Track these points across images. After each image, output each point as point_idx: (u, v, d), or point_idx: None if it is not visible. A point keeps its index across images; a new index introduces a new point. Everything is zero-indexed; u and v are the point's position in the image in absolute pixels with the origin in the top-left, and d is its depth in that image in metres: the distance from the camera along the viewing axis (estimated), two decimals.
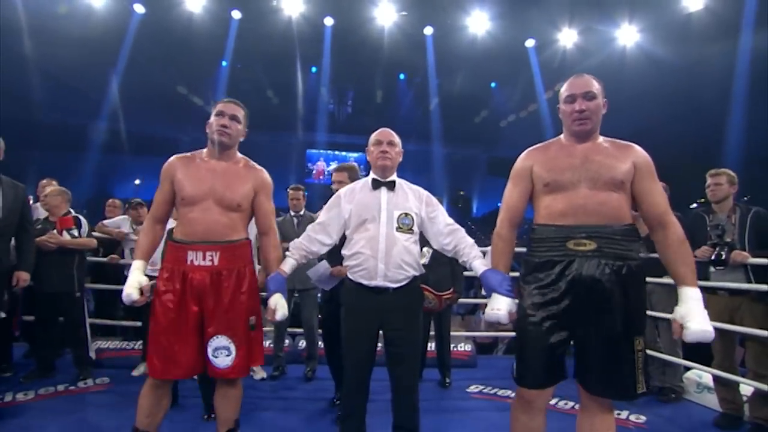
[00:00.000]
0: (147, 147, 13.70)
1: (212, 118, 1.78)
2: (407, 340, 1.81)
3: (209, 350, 1.69)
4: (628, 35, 8.58)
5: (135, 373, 3.22)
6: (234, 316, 1.71)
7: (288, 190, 3.54)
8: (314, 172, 16.52)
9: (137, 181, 16.17)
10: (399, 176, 1.96)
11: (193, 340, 1.70)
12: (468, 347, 3.96)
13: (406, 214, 1.84)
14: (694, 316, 1.36)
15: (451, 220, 1.90)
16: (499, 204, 1.84)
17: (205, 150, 1.83)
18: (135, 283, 1.68)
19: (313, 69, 11.44)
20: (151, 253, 1.83)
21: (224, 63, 10.30)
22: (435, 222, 1.87)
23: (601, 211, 1.46)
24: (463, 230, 1.88)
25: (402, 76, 12.46)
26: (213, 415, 2.32)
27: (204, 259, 1.69)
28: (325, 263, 2.04)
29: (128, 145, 11.33)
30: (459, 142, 14.34)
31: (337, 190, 2.71)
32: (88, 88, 9.36)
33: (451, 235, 1.85)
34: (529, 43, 9.52)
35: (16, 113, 7.16)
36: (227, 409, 1.80)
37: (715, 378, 2.76)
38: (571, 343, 1.53)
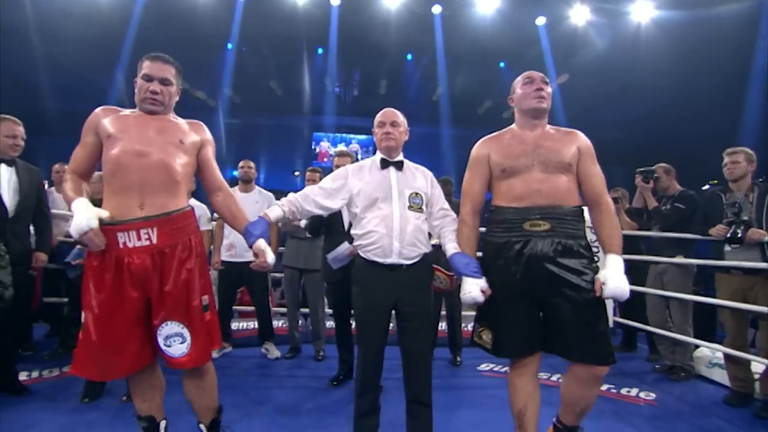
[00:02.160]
0: None
1: (139, 81, 1.54)
2: (421, 315, 1.84)
3: (160, 340, 1.49)
4: (642, 10, 8.31)
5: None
6: (183, 298, 1.50)
7: (306, 171, 3.59)
8: (318, 153, 16.49)
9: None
10: (406, 158, 1.96)
11: (135, 335, 1.49)
12: None
13: (416, 194, 1.86)
14: (613, 277, 1.51)
15: (446, 206, 1.94)
16: None
17: (135, 110, 1.59)
18: (93, 214, 1.39)
19: (320, 50, 11.31)
20: (84, 191, 1.51)
21: (229, 46, 10.21)
22: (432, 204, 1.92)
23: (554, 193, 1.60)
24: (453, 216, 1.90)
25: (409, 57, 12.26)
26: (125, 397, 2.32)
27: (139, 238, 1.44)
28: (346, 244, 2.05)
29: None
30: (466, 125, 14.19)
31: None
32: (94, 75, 9.34)
33: (442, 218, 1.90)
34: (540, 21, 9.28)
35: (23, 100, 7.18)
36: (205, 400, 1.66)
37: (727, 356, 2.77)
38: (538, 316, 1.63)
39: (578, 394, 1.63)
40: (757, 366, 2.66)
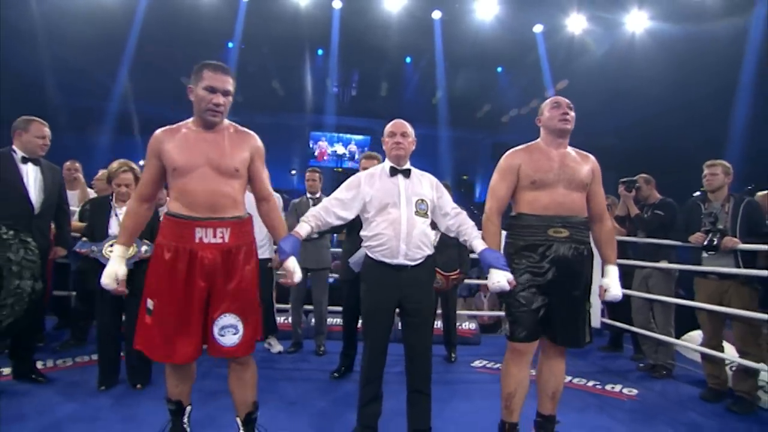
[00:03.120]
0: (153, 128, 13.77)
1: (201, 91, 1.60)
2: (424, 312, 2.01)
3: (215, 329, 1.61)
4: (637, 21, 8.52)
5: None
6: (243, 294, 1.66)
7: (306, 171, 3.72)
8: (316, 153, 16.59)
9: (141, 162, 16.35)
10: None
11: (197, 322, 1.61)
12: (472, 326, 4.17)
13: (422, 200, 2.01)
14: (613, 285, 1.93)
15: (454, 204, 2.10)
16: None
17: (190, 120, 1.69)
18: (112, 274, 1.62)
19: (320, 51, 11.43)
20: (136, 235, 1.76)
21: (230, 45, 10.30)
22: (442, 206, 2.06)
23: (572, 207, 1.89)
24: (465, 213, 2.08)
25: (408, 60, 12.42)
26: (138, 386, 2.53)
27: (215, 236, 1.60)
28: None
29: (135, 127, 11.40)
30: (464, 127, 14.38)
31: None
32: (97, 71, 9.43)
33: (455, 217, 2.05)
34: (537, 28, 9.47)
35: (27, 96, 7.26)
36: (244, 392, 1.78)
37: (703, 355, 2.96)
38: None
39: (547, 371, 1.96)
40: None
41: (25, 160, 2.53)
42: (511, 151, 1.97)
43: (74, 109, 9.32)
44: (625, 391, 2.94)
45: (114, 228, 2.63)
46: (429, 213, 2.02)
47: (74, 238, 3.22)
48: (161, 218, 1.73)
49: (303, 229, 1.91)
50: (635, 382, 3.09)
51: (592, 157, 1.99)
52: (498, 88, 13.55)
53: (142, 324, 1.65)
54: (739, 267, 2.75)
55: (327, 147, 15.39)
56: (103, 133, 10.61)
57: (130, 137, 10.77)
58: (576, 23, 9.03)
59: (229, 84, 1.64)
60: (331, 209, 2.01)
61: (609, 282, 1.92)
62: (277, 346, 3.61)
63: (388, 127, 2.08)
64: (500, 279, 1.79)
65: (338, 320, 4.10)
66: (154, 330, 1.61)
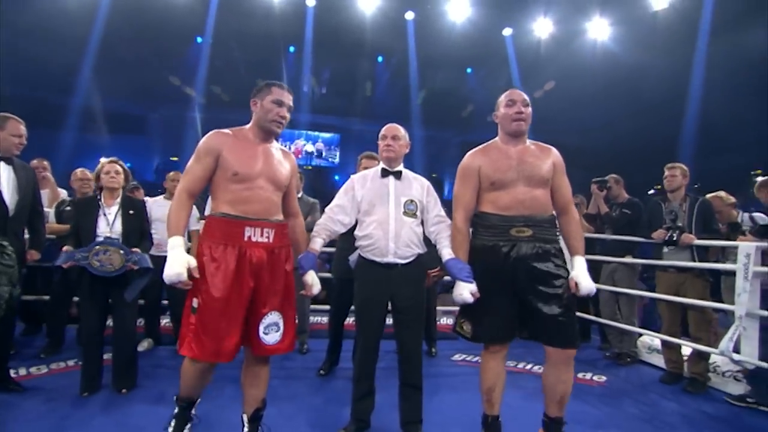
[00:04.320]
0: (116, 124, 13.20)
1: (269, 104, 1.74)
2: (414, 309, 2.09)
3: (261, 327, 1.69)
4: (599, 29, 9.00)
5: (140, 348, 3.38)
6: (286, 293, 1.76)
7: None
8: (293, 150, 16.41)
9: (103, 159, 15.56)
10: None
11: (241, 320, 1.66)
12: (450, 321, 4.32)
13: (411, 201, 2.09)
14: (583, 277, 1.83)
15: (442, 212, 2.13)
16: None
17: (246, 128, 1.80)
18: (183, 262, 1.57)
19: (291, 49, 11.33)
20: (185, 228, 1.73)
21: (199, 39, 10.05)
22: (429, 210, 2.13)
23: (534, 204, 1.85)
24: (448, 222, 2.07)
25: (380, 59, 12.52)
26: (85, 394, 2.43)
27: (262, 235, 1.69)
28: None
29: (96, 123, 10.89)
30: (433, 126, 14.63)
31: None
32: (57, 64, 8.95)
33: (437, 225, 2.09)
34: (507, 31, 9.80)
35: None
36: (258, 389, 1.82)
37: (663, 342, 3.23)
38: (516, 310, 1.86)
39: (554, 378, 1.89)
40: (687, 350, 3.14)
41: None
42: (469, 153, 1.97)
43: (32, 102, 8.82)
44: (594, 378, 3.16)
45: (102, 229, 2.56)
46: (419, 213, 2.10)
47: (50, 241, 3.11)
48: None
49: (317, 244, 2.02)
50: (603, 370, 3.33)
51: (553, 149, 1.94)
52: (467, 88, 13.89)
53: (186, 325, 1.65)
54: (694, 261, 3.02)
55: (303, 144, 15.25)
56: (66, 129, 10.07)
57: (94, 134, 10.29)
58: (543, 28, 9.40)
59: (291, 101, 1.79)
60: (334, 218, 2.09)
61: (577, 274, 1.83)
62: None
63: (381, 131, 2.16)
64: (463, 291, 1.81)
65: (319, 318, 4.16)
66: (201, 329, 1.62)
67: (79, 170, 3.61)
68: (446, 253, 1.98)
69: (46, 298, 3.56)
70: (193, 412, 1.88)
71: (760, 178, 3.32)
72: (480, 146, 1.99)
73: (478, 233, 1.93)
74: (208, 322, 1.61)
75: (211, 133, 1.75)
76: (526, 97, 1.90)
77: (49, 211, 3.37)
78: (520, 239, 1.83)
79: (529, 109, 1.89)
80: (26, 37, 7.82)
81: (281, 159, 1.83)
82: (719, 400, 2.82)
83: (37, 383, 2.70)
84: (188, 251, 1.72)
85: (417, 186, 2.14)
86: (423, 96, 12.79)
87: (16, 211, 2.47)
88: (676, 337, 3.16)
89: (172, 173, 3.72)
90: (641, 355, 3.60)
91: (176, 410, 1.83)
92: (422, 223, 2.14)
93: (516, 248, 1.82)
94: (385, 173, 2.13)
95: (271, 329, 1.71)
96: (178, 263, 1.56)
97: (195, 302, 1.63)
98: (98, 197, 2.65)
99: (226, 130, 1.77)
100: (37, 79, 9.08)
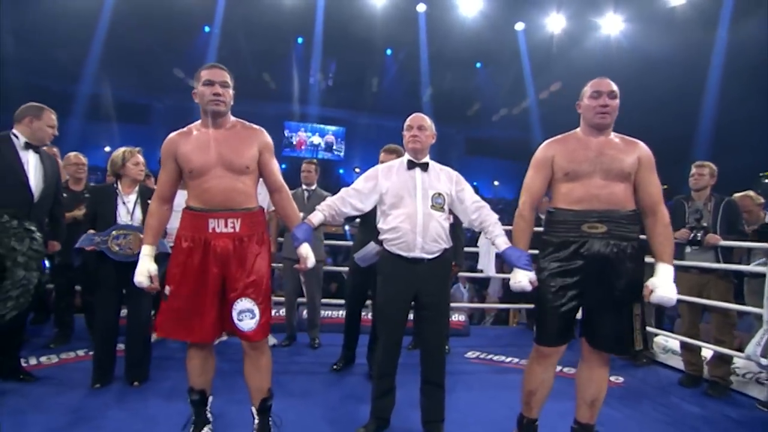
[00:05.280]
0: (120, 114, 13.13)
1: (200, 87, 1.71)
2: (439, 305, 2.03)
3: (234, 314, 1.72)
4: (612, 24, 8.87)
5: (153, 339, 3.32)
6: (257, 280, 1.75)
7: (302, 164, 3.67)
8: (294, 142, 16.32)
9: (107, 149, 15.54)
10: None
11: (212, 304, 1.72)
12: (462, 318, 4.27)
13: (439, 194, 2.01)
14: (663, 284, 1.67)
15: (477, 198, 2.07)
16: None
17: (198, 122, 1.79)
18: (145, 272, 1.73)
19: (300, 39, 11.21)
20: (159, 235, 1.84)
21: (207, 29, 9.95)
22: (463, 200, 2.04)
23: (611, 199, 1.71)
24: (488, 207, 2.05)
25: (389, 52, 12.39)
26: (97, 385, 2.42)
27: (226, 226, 1.71)
28: (373, 244, 2.17)
29: (99, 112, 10.83)
30: (439, 121, 14.58)
31: None
32: (64, 52, 8.88)
33: (477, 211, 2.01)
34: (519, 26, 9.67)
35: None
36: (260, 379, 1.84)
37: (682, 343, 3.17)
38: (579, 309, 1.80)
39: (587, 377, 1.84)
40: (707, 352, 3.08)
41: (27, 147, 2.38)
42: (546, 142, 1.88)
43: (39, 90, 8.77)
44: (612, 378, 3.09)
45: (123, 217, 2.52)
46: (446, 207, 2.03)
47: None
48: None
49: (316, 217, 1.94)
50: (620, 371, 3.26)
51: (641, 144, 1.79)
52: (476, 83, 13.76)
53: (161, 309, 1.76)
54: (718, 262, 2.95)
55: (306, 136, 15.17)
56: (73, 117, 10.02)
57: (100, 122, 10.24)
58: (556, 23, 9.27)
59: (226, 77, 1.74)
60: (347, 199, 2.01)
61: (657, 281, 1.66)
62: (270, 339, 3.56)
63: (407, 121, 2.08)
64: (521, 279, 1.75)
65: (330, 312, 4.11)
66: (172, 313, 1.73)
67: (72, 154, 3.45)
68: (502, 242, 1.90)
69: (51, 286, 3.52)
70: (208, 411, 1.88)
71: None
72: (559, 135, 1.88)
73: (548, 230, 1.83)
74: (176, 308, 1.73)
75: (168, 136, 1.78)
76: (614, 87, 1.76)
77: None
78: (592, 236, 1.70)
79: (616, 101, 1.75)
80: (34, 25, 7.74)
81: (243, 140, 1.77)
82: (742, 404, 2.77)
83: (48, 373, 2.66)
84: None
85: (444, 178, 2.06)
86: (430, 93, 12.69)
87: (41, 199, 2.42)
88: (696, 338, 3.10)
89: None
90: (657, 356, 3.55)
91: (192, 410, 1.85)
92: (450, 215, 2.07)
93: (587, 245, 1.71)
94: (411, 165, 2.05)
95: (245, 315, 1.73)
96: (140, 273, 1.75)
97: (167, 289, 1.75)
98: (115, 185, 2.60)
99: (182, 129, 1.80)
100: (44, 68, 9.02)
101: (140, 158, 2.62)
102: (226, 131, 1.76)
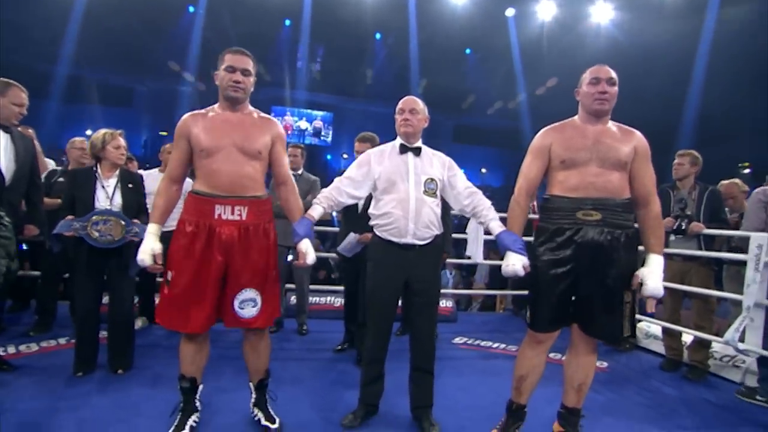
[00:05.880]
0: (101, 96, 12.70)
1: (221, 72, 1.72)
2: (430, 292, 2.02)
3: (235, 303, 1.71)
4: (603, 12, 8.86)
5: (135, 327, 3.27)
6: (261, 270, 1.75)
7: (288, 147, 3.61)
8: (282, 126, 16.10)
9: (89, 132, 15.10)
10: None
11: (211, 294, 1.70)
12: (449, 304, 4.30)
13: (432, 179, 1.98)
14: (653, 276, 1.67)
15: (469, 183, 2.04)
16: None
17: (216, 105, 1.79)
18: (149, 250, 1.68)
19: (287, 22, 10.94)
20: (168, 215, 1.79)
21: (191, 9, 9.62)
22: (455, 185, 2.01)
23: (607, 187, 1.72)
24: (480, 193, 2.03)
25: (378, 36, 12.19)
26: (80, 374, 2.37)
27: (233, 213, 1.69)
28: (353, 234, 2.16)
29: (82, 94, 10.46)
30: (431, 107, 14.50)
31: None
32: (42, 31, 8.50)
33: (470, 197, 1.99)
34: (510, 12, 9.59)
35: None
36: (258, 360, 1.89)
37: (664, 329, 3.25)
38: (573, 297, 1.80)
39: (575, 364, 1.88)
40: (687, 337, 3.16)
41: None
42: (544, 129, 1.86)
43: (16, 70, 8.40)
44: (597, 363, 3.14)
45: (102, 201, 2.43)
46: (438, 192, 2.00)
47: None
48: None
49: (316, 211, 1.91)
50: (604, 356, 3.33)
51: (637, 133, 1.79)
52: (465, 70, 13.68)
53: (162, 296, 1.74)
54: (701, 249, 3.01)
55: (292, 121, 14.93)
56: (51, 98, 9.65)
57: (81, 104, 9.90)
58: (546, 10, 9.22)
59: (248, 64, 1.74)
60: (342, 189, 1.98)
61: (647, 272, 1.67)
62: None
63: (399, 104, 2.04)
64: (515, 263, 1.74)
65: (317, 299, 4.10)
66: (171, 300, 1.70)
67: (78, 139, 3.40)
68: (495, 226, 1.89)
69: (36, 273, 3.43)
70: (197, 400, 1.87)
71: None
72: (557, 123, 1.87)
73: (544, 217, 1.83)
74: (177, 295, 1.69)
75: (183, 116, 1.77)
76: (613, 74, 1.74)
77: None
78: (587, 223, 1.70)
79: (615, 89, 1.74)
80: (9, 4, 7.37)
81: (257, 126, 1.79)
82: (719, 386, 2.86)
83: (27, 362, 2.59)
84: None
85: (437, 163, 2.03)
86: (424, 85, 12.58)
87: (13, 181, 2.31)
88: (677, 324, 3.17)
89: (168, 145, 3.55)
90: (640, 342, 3.63)
91: (181, 398, 1.84)
92: (443, 203, 2.05)
93: (581, 232, 1.71)
94: (403, 149, 2.01)
95: (247, 304, 1.73)
96: (143, 251, 1.69)
97: (169, 275, 1.72)
98: (95, 169, 2.51)
99: (197, 111, 1.79)
100: (21, 47, 8.65)
101: (121, 141, 2.52)
102: (242, 115, 1.77)
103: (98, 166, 2.51)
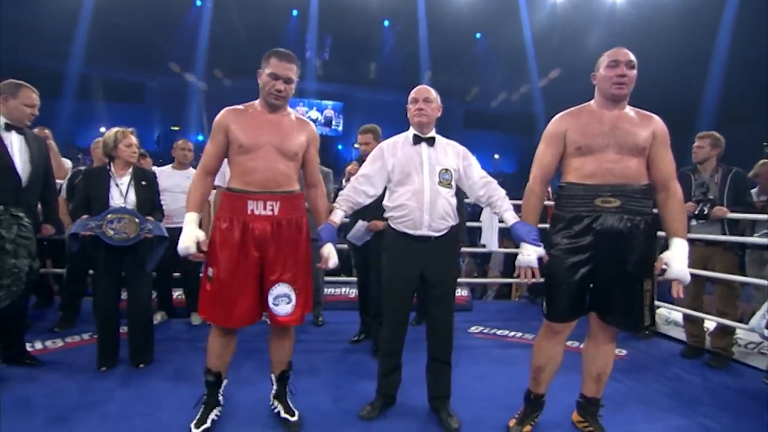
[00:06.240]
0: (113, 93, 12.84)
1: (265, 77, 1.74)
2: (447, 283, 2.00)
3: (270, 298, 1.74)
4: None
5: (154, 321, 3.31)
6: (294, 265, 1.77)
7: None
8: None
9: (102, 129, 15.34)
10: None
11: (252, 289, 1.74)
12: (464, 292, 4.28)
13: (446, 170, 1.95)
14: (678, 260, 1.64)
15: (484, 173, 2.00)
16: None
17: (256, 102, 1.82)
18: (193, 237, 1.69)
19: (294, 12, 10.84)
20: (202, 205, 1.82)
21: (198, 2, 9.60)
22: (471, 175, 1.98)
23: (625, 173, 1.67)
24: (495, 182, 2.00)
25: (386, 23, 12.00)
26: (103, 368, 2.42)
27: (265, 208, 1.72)
28: (361, 222, 2.16)
29: (93, 91, 10.59)
30: (442, 95, 14.33)
31: (365, 152, 2.84)
32: (52, 30, 8.58)
33: (485, 187, 1.96)
34: None
35: None
36: (282, 353, 1.95)
37: (685, 315, 3.18)
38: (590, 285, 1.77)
39: (594, 352, 1.86)
40: (709, 323, 3.09)
41: (8, 128, 2.28)
42: (558, 115, 1.82)
43: (27, 70, 8.54)
44: (616, 351, 3.11)
45: (116, 200, 2.46)
46: (453, 183, 1.97)
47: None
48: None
49: (337, 216, 1.93)
50: (623, 343, 3.28)
51: (656, 118, 1.74)
52: (474, 55, 13.42)
53: (203, 292, 1.77)
54: (725, 234, 2.92)
55: (304, 111, 14.92)
56: (63, 97, 9.80)
57: (93, 102, 10.03)
58: None
59: (292, 72, 1.76)
60: (359, 188, 1.97)
61: (671, 256, 1.64)
62: None
63: (411, 93, 2.00)
64: (531, 254, 1.71)
65: (332, 290, 4.12)
66: (214, 295, 1.73)
67: (100, 139, 3.45)
68: (510, 216, 1.86)
69: (58, 270, 3.51)
70: (220, 394, 1.91)
71: None
72: (572, 108, 1.82)
73: (559, 204, 1.79)
74: (219, 290, 1.72)
75: (222, 110, 1.78)
76: (632, 57, 1.69)
77: (60, 184, 3.26)
78: (605, 210, 1.67)
79: (634, 72, 1.69)
80: (19, 4, 7.45)
81: (294, 128, 1.82)
82: (744, 374, 2.80)
83: (53, 357, 2.67)
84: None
85: (451, 153, 1.99)
86: (432, 72, 12.39)
87: (29, 182, 2.34)
88: (699, 310, 3.10)
89: (180, 141, 3.57)
90: (659, 328, 3.57)
91: (205, 390, 1.88)
92: (457, 192, 2.02)
93: (600, 220, 1.67)
94: (417, 140, 1.98)
95: (281, 300, 1.75)
96: (187, 238, 1.69)
97: (210, 271, 1.75)
98: (108, 167, 2.53)
99: (238, 106, 1.81)
100: (31, 47, 8.76)
101: (133, 139, 2.54)
102: (281, 117, 1.80)
103: (111, 164, 2.53)
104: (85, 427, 1.91)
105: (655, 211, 1.76)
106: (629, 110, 1.75)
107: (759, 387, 2.62)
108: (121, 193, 2.48)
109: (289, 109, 1.87)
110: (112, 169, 2.53)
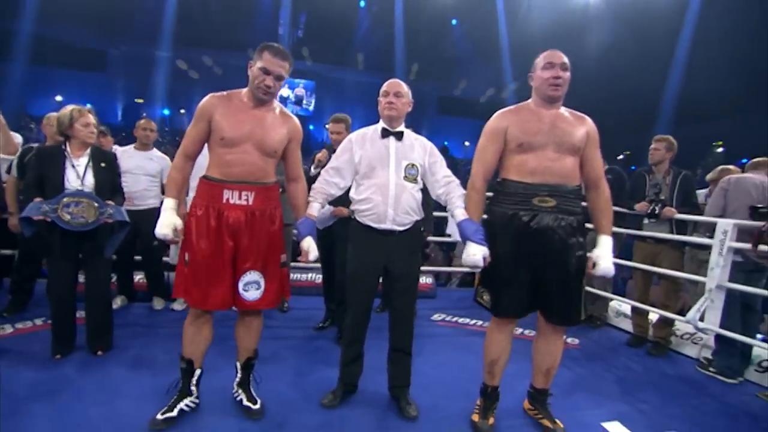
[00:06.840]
0: (72, 59, 11.98)
1: (256, 70, 1.73)
2: (410, 276, 2.05)
3: (240, 284, 1.79)
4: None
5: (114, 306, 3.24)
6: (266, 254, 1.82)
7: None
8: None
9: (58, 98, 14.33)
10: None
11: (226, 275, 1.77)
12: (429, 280, 4.39)
13: (413, 165, 1.97)
14: (605, 257, 1.76)
15: (448, 172, 2.03)
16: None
17: (243, 91, 1.81)
18: (171, 224, 1.74)
19: None
20: (183, 190, 1.85)
21: None
22: (435, 172, 2.01)
23: (563, 172, 1.75)
24: (457, 182, 2.02)
25: (362, 4, 11.75)
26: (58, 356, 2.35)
27: (240, 198, 1.76)
28: (328, 207, 2.18)
29: (49, 55, 9.81)
30: (412, 78, 14.24)
31: (335, 141, 2.83)
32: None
33: (446, 186, 1.99)
34: None
35: None
36: (249, 339, 1.97)
37: (633, 308, 3.40)
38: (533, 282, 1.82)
39: (544, 349, 1.95)
40: (654, 315, 3.33)
41: None
42: (498, 112, 1.87)
43: (42, 37, 7.73)
44: (569, 340, 3.31)
45: (73, 182, 2.33)
46: (419, 178, 2.00)
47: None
48: None
49: (313, 209, 1.96)
50: (576, 333, 3.48)
51: (588, 119, 1.84)
52: (450, 41, 13.41)
53: (180, 273, 1.80)
54: (672, 233, 3.12)
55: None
56: (12, 60, 9.02)
57: (50, 67, 9.28)
58: None
59: (284, 70, 1.77)
60: (330, 180, 1.99)
61: (599, 253, 1.76)
62: None
63: (383, 87, 2.01)
64: (476, 253, 1.75)
65: (299, 276, 4.12)
66: (191, 279, 1.77)
67: (53, 115, 3.16)
68: (459, 213, 1.89)
69: (8, 252, 3.33)
70: (194, 384, 1.91)
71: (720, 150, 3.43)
72: (512, 106, 1.87)
73: (498, 201, 1.84)
74: (195, 275, 1.75)
75: (207, 96, 1.79)
76: (566, 59, 1.76)
77: (9, 160, 3.04)
78: (542, 209, 1.74)
79: (568, 74, 1.76)
80: None
81: (277, 124, 1.83)
82: (679, 361, 3.05)
83: (2, 344, 2.55)
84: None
85: (419, 148, 2.01)
86: (416, 70, 12.28)
87: None
88: (646, 304, 3.32)
89: (143, 121, 3.41)
90: (611, 320, 3.80)
91: (180, 378, 1.90)
92: (423, 187, 2.05)
93: (537, 219, 1.74)
94: (385, 133, 1.99)
95: (251, 287, 1.81)
96: (165, 225, 1.74)
97: (186, 256, 1.78)
98: (64, 147, 2.39)
99: (224, 93, 1.80)
100: (51, 15, 8.01)
101: (91, 118, 2.40)
102: (265, 111, 1.81)
103: (67, 144, 2.40)
104: (39, 419, 1.85)
105: (582, 207, 1.84)
106: (564, 110, 1.83)
107: (692, 374, 2.86)
108: (78, 175, 2.35)
109: (275, 103, 1.87)
110: (68, 149, 2.39)
